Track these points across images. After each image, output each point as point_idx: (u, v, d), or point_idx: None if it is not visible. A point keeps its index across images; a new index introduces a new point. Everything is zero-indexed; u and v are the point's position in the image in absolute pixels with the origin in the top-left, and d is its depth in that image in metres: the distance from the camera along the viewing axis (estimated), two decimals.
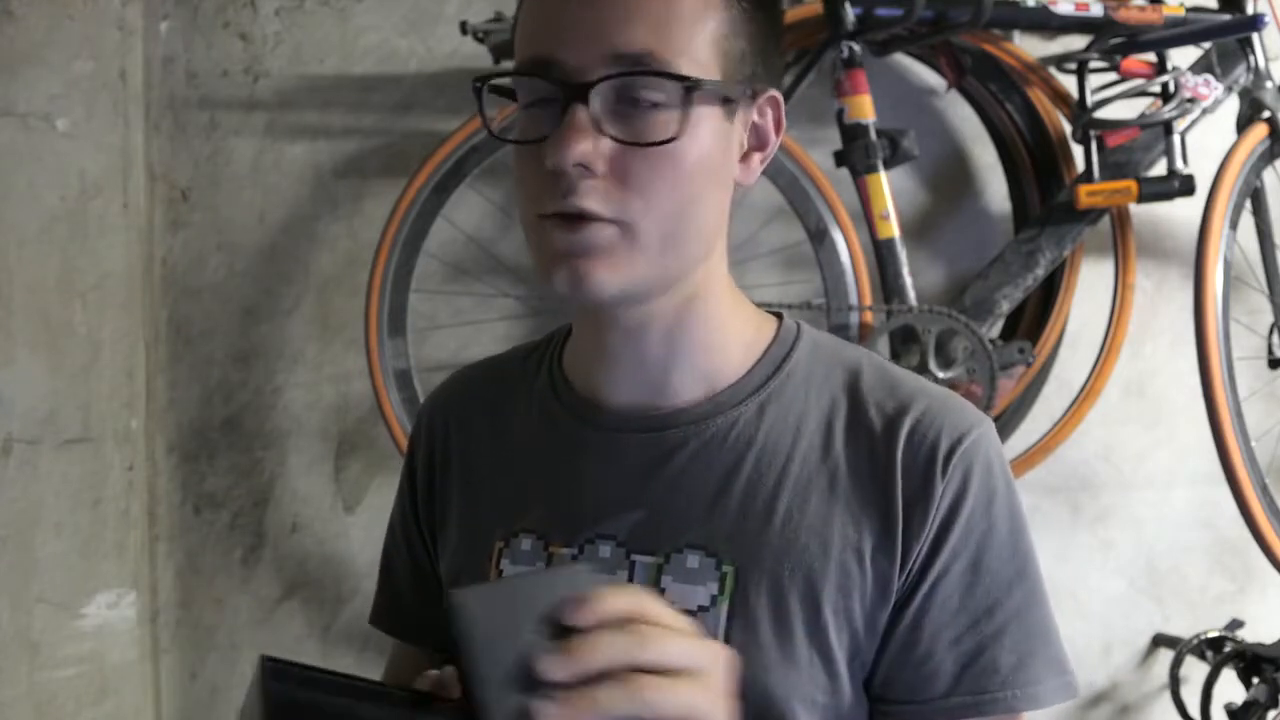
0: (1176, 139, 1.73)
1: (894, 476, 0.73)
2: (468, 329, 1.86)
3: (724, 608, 0.72)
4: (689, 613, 0.72)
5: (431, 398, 0.93)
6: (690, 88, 0.68)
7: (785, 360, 0.79)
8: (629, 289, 0.71)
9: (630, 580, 0.75)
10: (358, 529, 1.90)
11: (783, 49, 0.77)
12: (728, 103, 0.71)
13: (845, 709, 0.73)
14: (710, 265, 0.76)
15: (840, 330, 1.70)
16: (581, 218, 0.69)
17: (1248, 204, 1.73)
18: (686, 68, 0.68)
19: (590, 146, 0.67)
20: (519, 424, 0.84)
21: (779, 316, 0.82)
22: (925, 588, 0.72)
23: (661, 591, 0.73)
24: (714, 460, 0.76)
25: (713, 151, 0.71)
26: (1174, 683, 1.82)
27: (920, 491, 0.72)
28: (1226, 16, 1.73)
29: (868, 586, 0.72)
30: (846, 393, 0.77)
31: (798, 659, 0.71)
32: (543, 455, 0.81)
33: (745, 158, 0.75)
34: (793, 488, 0.74)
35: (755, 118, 0.75)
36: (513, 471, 0.83)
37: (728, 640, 0.72)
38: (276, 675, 0.57)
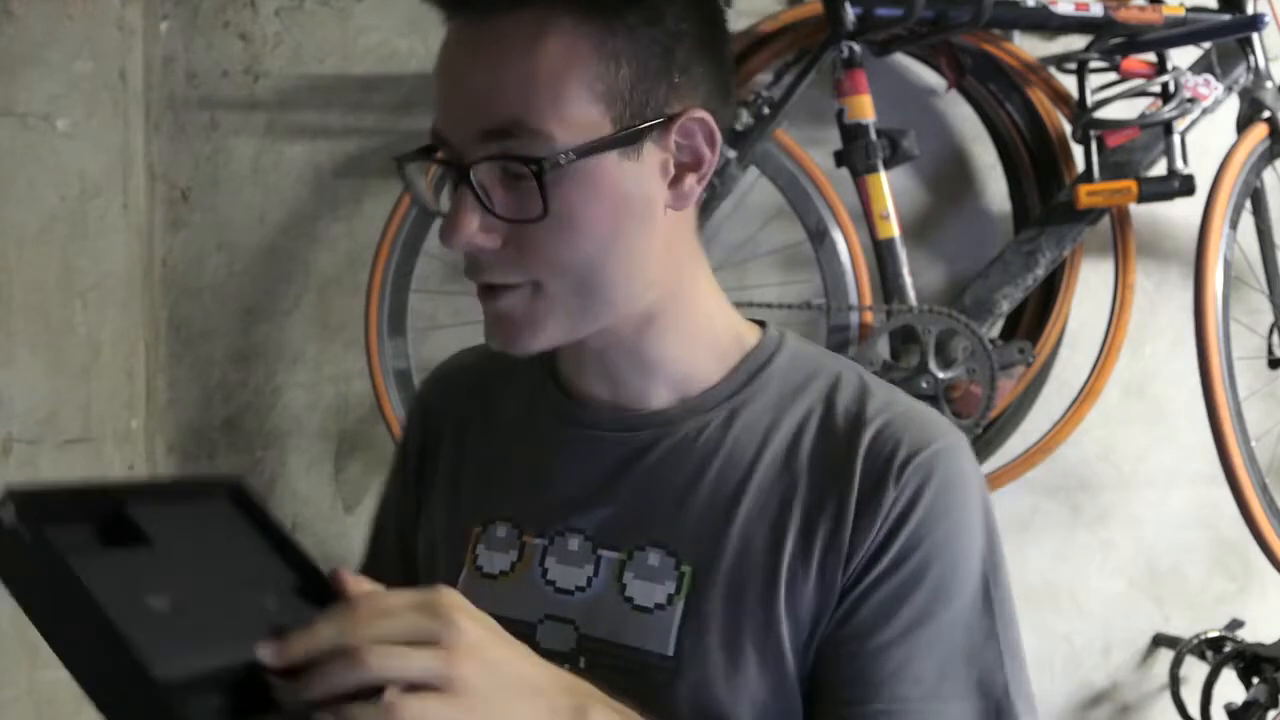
0: (1176, 139, 1.72)
1: (852, 480, 0.73)
2: (468, 329, 1.85)
3: (679, 607, 0.73)
4: (646, 610, 0.74)
5: (431, 375, 0.94)
6: (541, 168, 0.66)
7: (761, 370, 0.79)
8: (555, 341, 0.74)
9: (595, 575, 0.76)
10: (358, 529, 1.90)
11: (712, 53, 0.73)
12: (626, 143, 0.69)
13: (793, 711, 0.73)
14: (668, 289, 0.76)
15: (840, 330, 1.70)
16: (495, 287, 0.72)
17: (1248, 204, 1.73)
18: (560, 130, 0.67)
19: (475, 232, 0.69)
20: (508, 410, 0.86)
21: (764, 325, 0.83)
22: (861, 589, 0.71)
23: (623, 587, 0.75)
24: (681, 463, 0.77)
25: (616, 198, 0.70)
26: (1174, 683, 1.83)
27: (872, 495, 0.72)
28: (1226, 16, 1.73)
29: (815, 590, 0.72)
30: (823, 404, 0.77)
31: (744, 664, 0.72)
32: (525, 444, 0.83)
33: (676, 181, 0.73)
34: (754, 494, 0.74)
35: (678, 139, 0.72)
36: (497, 457, 0.84)
37: (680, 639, 0.72)
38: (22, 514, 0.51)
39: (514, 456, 0.83)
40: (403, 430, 0.94)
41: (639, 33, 0.69)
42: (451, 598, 0.57)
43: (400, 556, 0.92)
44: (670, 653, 0.73)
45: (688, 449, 0.77)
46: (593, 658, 0.75)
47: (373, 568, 0.94)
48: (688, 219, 0.77)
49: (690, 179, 0.73)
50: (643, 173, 0.71)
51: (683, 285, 0.77)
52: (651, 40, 0.70)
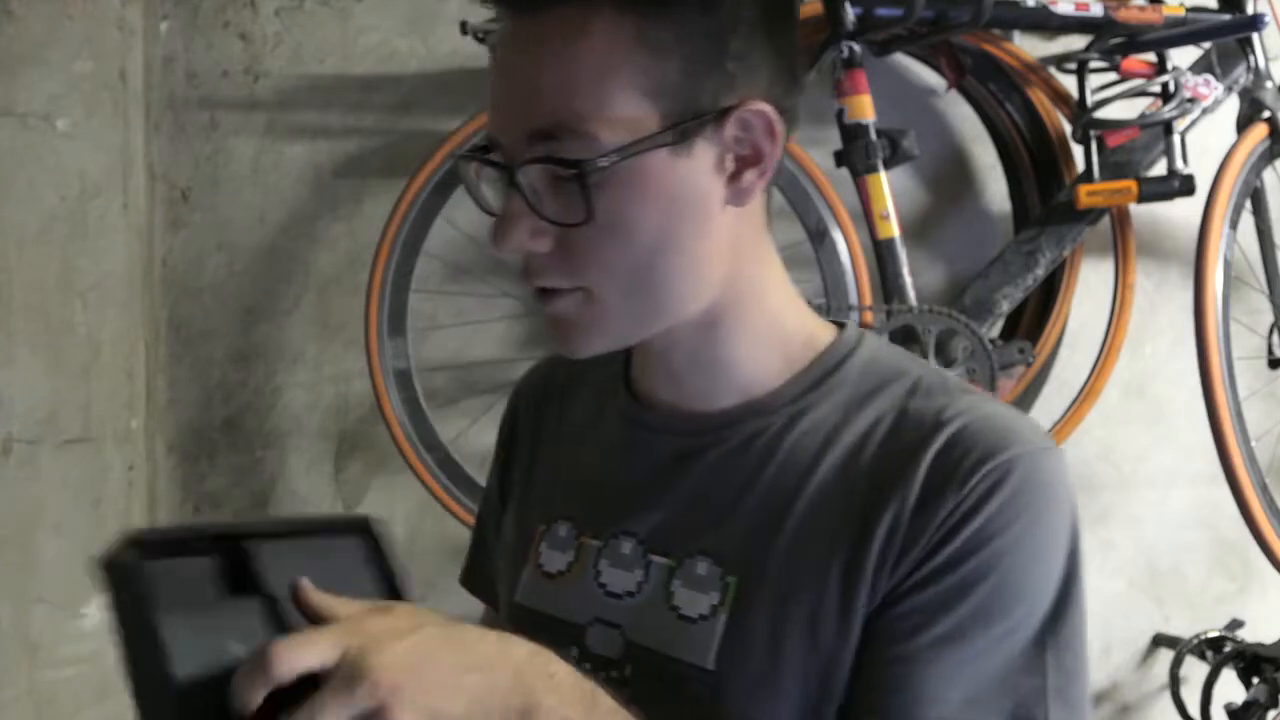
0: (1176, 139, 1.73)
1: (914, 482, 0.67)
2: (468, 329, 1.86)
3: (723, 619, 0.70)
4: (690, 620, 0.71)
5: (525, 376, 0.95)
6: (582, 171, 0.64)
7: (832, 374, 0.75)
8: (610, 345, 0.73)
9: (645, 580, 0.74)
10: None
11: (773, 40, 0.70)
12: (676, 140, 0.66)
13: None
14: (731, 289, 0.72)
15: None
16: (548, 291, 0.70)
17: (1248, 204, 1.73)
18: (605, 130, 0.65)
19: (525, 235, 0.68)
20: (581, 410, 0.86)
21: (843, 326, 0.79)
22: (903, 590, 0.67)
23: (670, 595, 0.73)
24: (735, 468, 0.74)
25: (668, 198, 0.67)
26: (1174, 683, 1.82)
27: (934, 497, 0.67)
28: (1226, 16, 1.73)
29: (863, 604, 0.68)
30: (896, 410, 0.72)
31: (784, 681, 0.68)
32: (593, 445, 0.83)
33: (735, 177, 0.69)
34: (806, 504, 0.70)
35: (736, 133, 0.68)
36: (566, 456, 0.85)
37: (721, 653, 0.69)
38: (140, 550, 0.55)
39: (580, 456, 0.83)
40: (499, 427, 0.94)
41: (687, 21, 0.66)
42: (372, 624, 0.56)
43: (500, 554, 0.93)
44: (711, 666, 0.70)
45: (743, 453, 0.74)
46: (639, 666, 0.73)
47: (474, 560, 0.97)
48: (753, 215, 0.73)
49: (750, 174, 0.69)
50: (696, 170, 0.68)
51: (748, 285, 0.74)
52: (701, 30, 0.66)
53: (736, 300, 0.73)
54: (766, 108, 0.68)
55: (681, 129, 0.66)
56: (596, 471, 0.81)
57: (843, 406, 0.73)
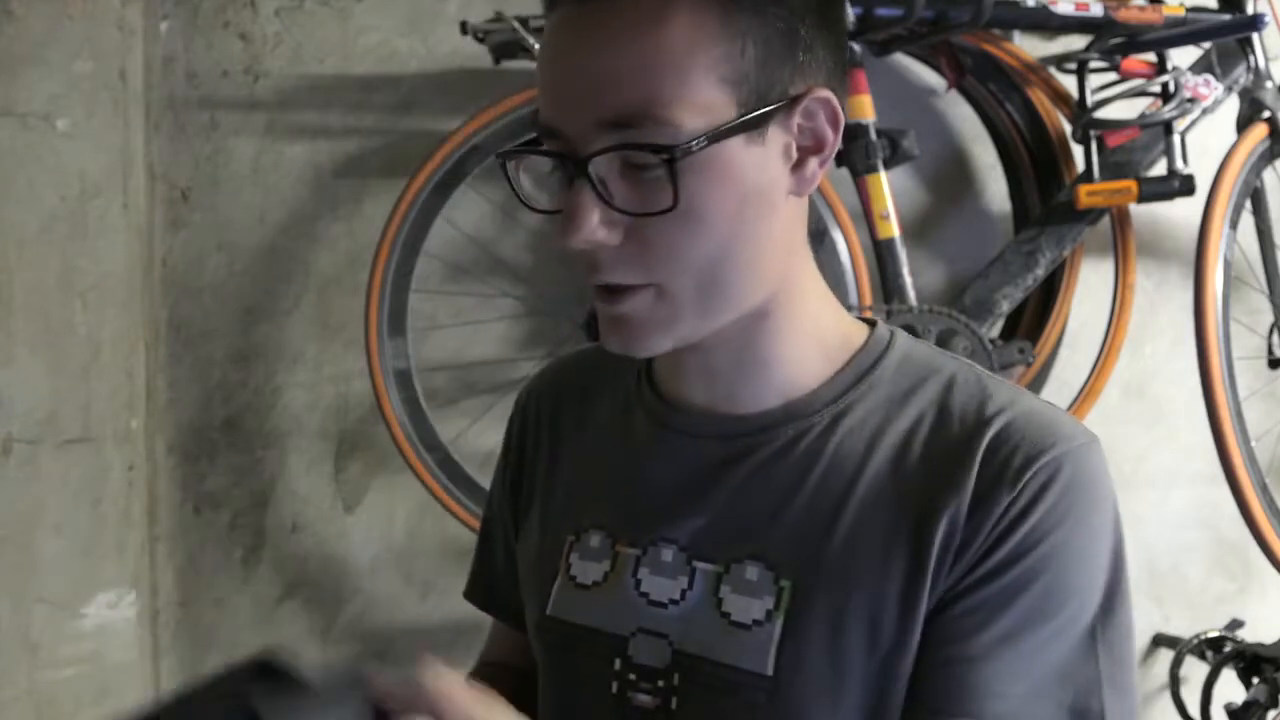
0: (1176, 139, 1.73)
1: (967, 482, 0.68)
2: (468, 329, 1.86)
3: (778, 623, 0.70)
4: (743, 626, 0.70)
5: (534, 379, 0.92)
6: (673, 156, 0.63)
7: (869, 372, 0.74)
8: (679, 342, 0.70)
9: (690, 587, 0.73)
10: (358, 529, 1.90)
11: (833, 29, 0.70)
12: (752, 127, 0.66)
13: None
14: (782, 284, 0.72)
15: None
16: (615, 289, 0.68)
17: (1248, 204, 1.73)
18: (688, 116, 0.64)
19: (596, 227, 0.66)
20: (603, 415, 0.84)
21: (873, 324, 0.78)
22: (962, 589, 0.68)
23: (719, 602, 0.72)
24: (779, 471, 0.73)
25: (744, 186, 0.66)
26: (1174, 683, 1.82)
27: (988, 496, 0.68)
28: (1226, 16, 1.73)
29: (925, 603, 0.68)
30: (936, 406, 0.72)
31: (847, 683, 0.68)
32: (619, 450, 0.81)
33: (799, 165, 0.69)
34: (858, 505, 0.70)
35: (801, 121, 0.68)
36: (591, 463, 0.82)
37: (779, 658, 0.69)
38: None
39: (608, 463, 0.81)
40: (505, 435, 0.92)
41: (764, 9, 0.66)
42: None
43: (507, 563, 0.90)
44: (769, 672, 0.69)
45: (787, 456, 0.73)
46: (687, 674, 0.72)
47: (482, 574, 0.95)
48: (803, 208, 0.73)
49: (813, 162, 0.70)
50: (767, 158, 0.68)
51: (795, 281, 0.73)
52: (776, 17, 0.66)
53: (785, 295, 0.73)
54: (830, 95, 0.69)
55: (758, 116, 0.66)
56: (628, 477, 0.79)
57: (883, 405, 0.73)
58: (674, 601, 0.73)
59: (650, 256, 0.67)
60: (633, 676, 0.73)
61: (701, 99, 0.64)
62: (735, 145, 0.65)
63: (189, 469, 1.90)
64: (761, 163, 0.67)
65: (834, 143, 0.69)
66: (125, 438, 1.82)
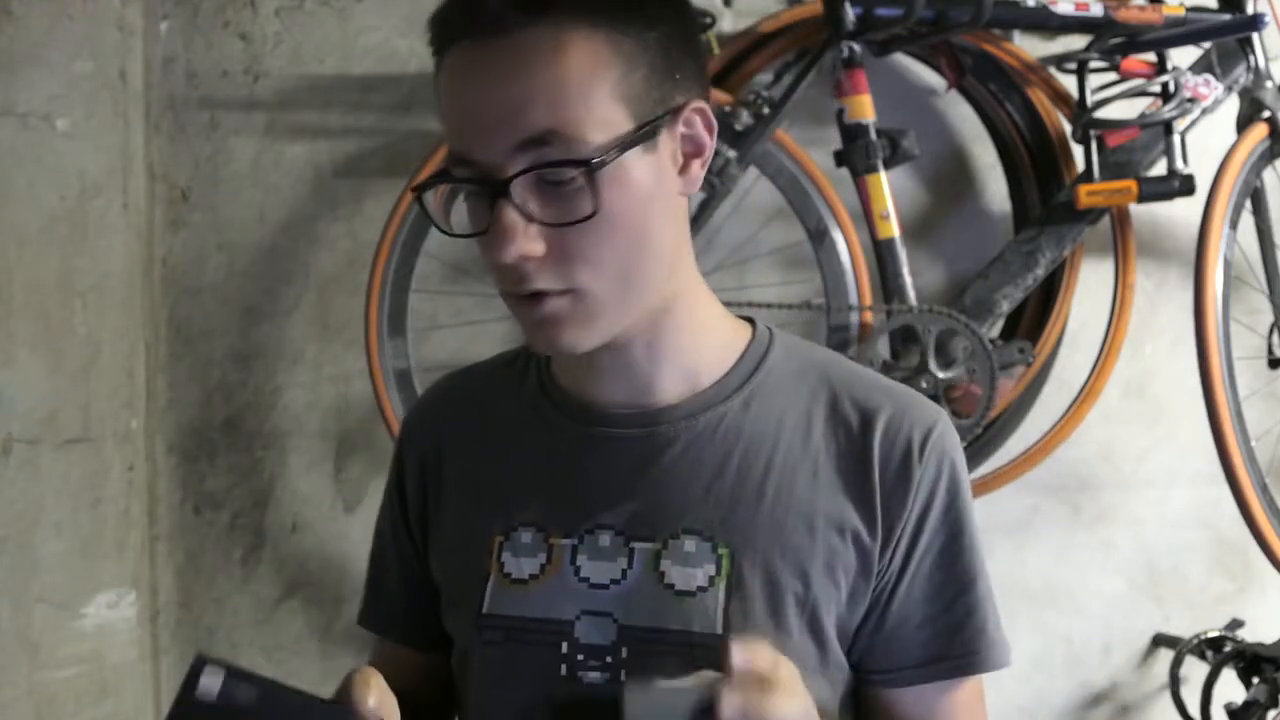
0: (1176, 139, 1.73)
1: (871, 465, 0.79)
2: (468, 329, 1.86)
3: (721, 588, 0.77)
4: (688, 594, 0.77)
5: (417, 405, 0.97)
6: (591, 168, 0.70)
7: (764, 359, 0.84)
8: (604, 339, 0.77)
9: (630, 566, 0.79)
10: (358, 529, 1.90)
11: (695, 49, 0.79)
12: (647, 138, 0.73)
13: (834, 678, 0.80)
14: (680, 279, 0.80)
15: (840, 330, 1.70)
16: (538, 295, 0.74)
17: (1248, 204, 1.73)
18: (594, 132, 0.71)
19: (523, 242, 0.71)
20: (510, 424, 0.88)
21: (750, 321, 0.87)
22: (909, 566, 0.79)
23: (661, 575, 0.78)
24: (705, 452, 0.81)
25: (645, 191, 0.74)
26: (1174, 683, 1.83)
27: (899, 478, 0.79)
28: (1226, 16, 1.73)
29: (852, 563, 0.79)
30: (823, 388, 0.83)
31: (790, 633, 0.77)
32: (538, 453, 0.85)
33: (684, 169, 0.78)
34: (779, 474, 0.80)
35: (683, 129, 0.77)
36: (508, 469, 0.86)
37: (726, 618, 0.77)
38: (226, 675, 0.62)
39: (526, 465, 0.85)
40: (393, 462, 0.95)
41: (643, 36, 0.74)
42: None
43: (403, 588, 0.94)
44: (719, 631, 0.76)
45: (709, 440, 0.81)
46: (636, 646, 0.78)
47: (374, 600, 0.98)
48: (686, 207, 0.81)
49: (695, 165, 0.78)
50: (660, 164, 0.76)
51: (687, 274, 0.82)
52: (655, 41, 0.74)
53: (685, 289, 0.81)
54: (705, 105, 0.78)
55: (650, 128, 0.74)
56: (557, 474, 0.84)
57: (781, 388, 0.83)
58: (615, 581, 0.79)
59: (572, 261, 0.73)
60: (581, 656, 0.78)
61: (603, 116, 0.72)
62: (635, 155, 0.73)
63: (189, 469, 1.90)
64: (656, 169, 0.75)
65: (711, 146, 0.79)
66: (125, 438, 1.83)
